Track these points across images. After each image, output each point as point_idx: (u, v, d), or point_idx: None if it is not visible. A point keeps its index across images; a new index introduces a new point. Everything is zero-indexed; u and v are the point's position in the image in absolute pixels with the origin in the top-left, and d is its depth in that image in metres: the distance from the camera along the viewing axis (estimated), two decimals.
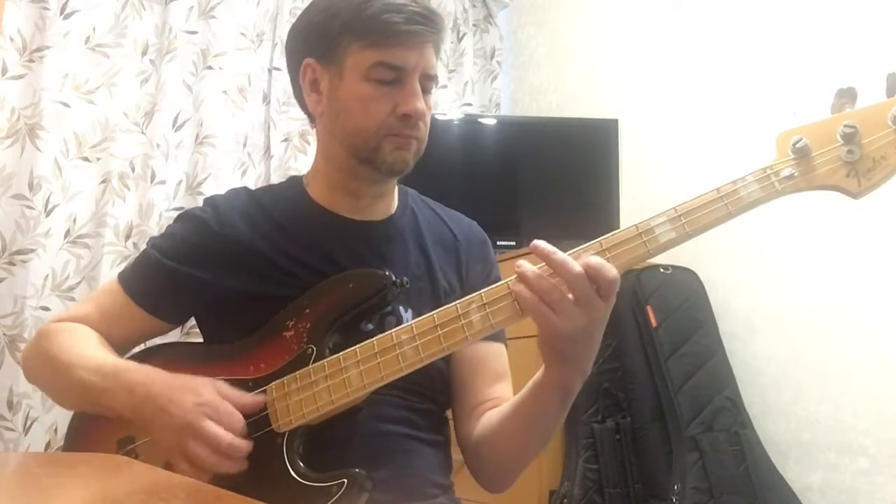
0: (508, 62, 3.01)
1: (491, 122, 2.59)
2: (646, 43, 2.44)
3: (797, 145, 0.83)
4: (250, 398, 0.92)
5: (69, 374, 0.99)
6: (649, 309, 1.91)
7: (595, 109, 2.54)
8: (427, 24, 1.00)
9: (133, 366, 0.98)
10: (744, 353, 2.01)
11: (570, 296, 0.80)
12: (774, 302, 1.98)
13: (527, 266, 0.83)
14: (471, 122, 2.57)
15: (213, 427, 0.86)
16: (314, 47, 1.05)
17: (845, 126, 0.82)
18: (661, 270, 2.00)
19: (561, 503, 1.80)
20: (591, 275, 0.80)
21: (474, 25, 2.95)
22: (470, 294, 0.89)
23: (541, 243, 0.83)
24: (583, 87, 2.66)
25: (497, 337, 1.11)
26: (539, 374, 0.92)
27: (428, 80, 1.04)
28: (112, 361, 1.00)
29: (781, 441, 1.92)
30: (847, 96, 0.85)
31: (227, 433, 0.87)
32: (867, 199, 1.86)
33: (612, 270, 0.81)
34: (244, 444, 0.88)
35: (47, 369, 1.06)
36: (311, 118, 1.12)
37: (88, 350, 1.02)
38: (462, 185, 2.34)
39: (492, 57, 2.96)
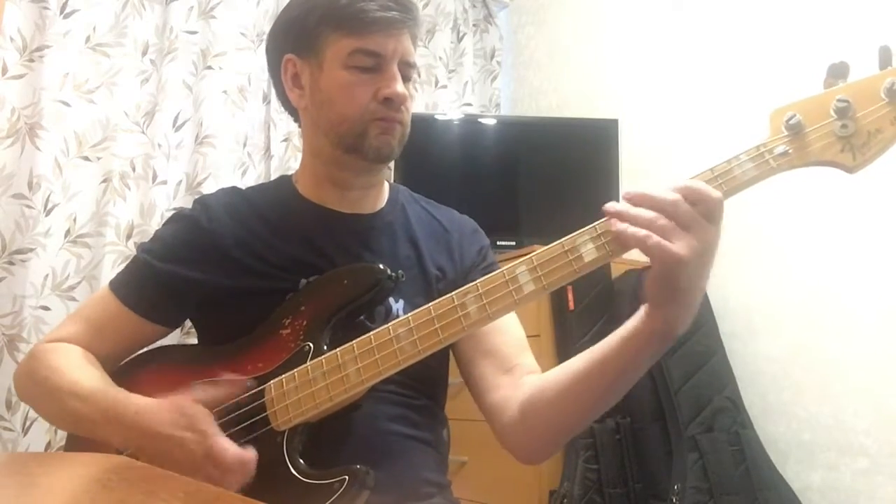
0: (508, 62, 3.01)
1: (491, 122, 2.59)
2: (646, 43, 2.44)
3: (790, 122, 0.82)
4: (230, 382, 0.92)
5: (61, 401, 0.98)
6: None
7: (595, 109, 2.55)
8: (402, 11, 1.02)
9: (121, 397, 0.95)
10: (744, 353, 2.01)
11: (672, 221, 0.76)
12: (774, 302, 1.98)
13: (620, 204, 0.79)
14: (471, 122, 2.57)
15: (213, 472, 0.86)
16: (293, 43, 1.07)
17: (838, 100, 0.81)
18: None
19: (561, 503, 1.80)
20: (690, 198, 0.77)
21: (474, 25, 2.95)
22: (466, 276, 0.88)
23: (631, 190, 0.79)
24: (583, 87, 2.66)
25: None
26: (634, 323, 0.85)
27: (407, 68, 1.05)
28: (103, 392, 0.97)
29: (781, 441, 1.92)
30: (839, 71, 0.83)
31: (230, 474, 0.86)
32: (871, 199, 1.87)
33: (714, 192, 0.77)
34: (251, 469, 0.87)
35: (39, 393, 1.04)
36: (295, 115, 1.13)
37: (79, 376, 0.99)
38: (462, 185, 2.35)
39: (492, 57, 2.95)
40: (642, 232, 0.76)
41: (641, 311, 0.84)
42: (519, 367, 1.03)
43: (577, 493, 1.77)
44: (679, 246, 0.75)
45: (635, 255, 2.33)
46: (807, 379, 1.90)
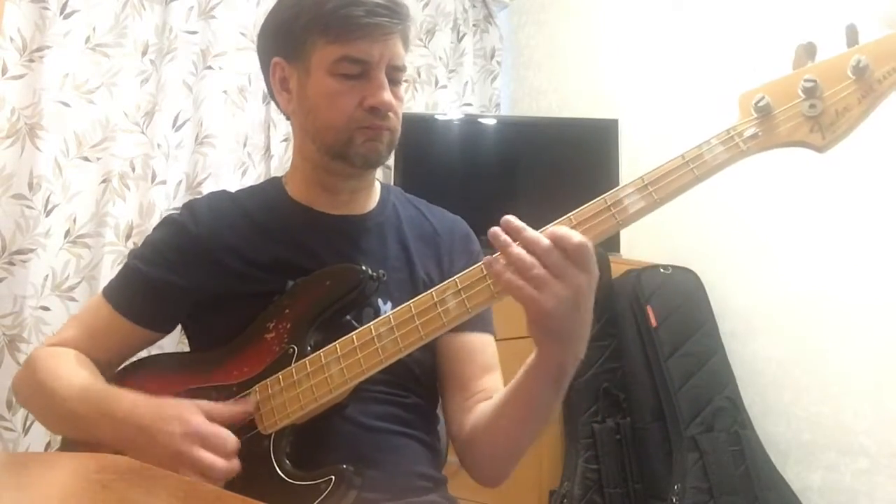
0: (508, 62, 3.01)
1: (491, 122, 2.59)
2: (646, 43, 2.44)
3: (759, 104, 0.83)
4: (240, 408, 0.92)
5: (55, 403, 0.99)
6: (649, 309, 1.91)
7: (595, 109, 2.54)
8: (390, 16, 1.00)
9: (114, 394, 0.97)
10: (744, 353, 2.01)
11: (546, 270, 0.79)
12: (774, 302, 1.98)
13: (502, 236, 0.82)
14: (471, 122, 2.57)
15: (204, 455, 0.86)
16: (281, 46, 1.06)
17: (805, 81, 0.81)
18: (661, 270, 2.00)
19: (561, 503, 1.80)
20: (558, 245, 0.79)
21: (474, 25, 2.94)
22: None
23: (511, 219, 0.82)
24: (583, 87, 2.66)
25: (484, 328, 1.10)
26: (531, 357, 0.90)
27: (396, 71, 1.03)
28: (95, 389, 0.98)
29: (781, 441, 1.92)
30: (807, 52, 0.84)
31: (220, 459, 0.86)
32: (871, 200, 1.86)
33: (575, 236, 0.80)
34: (237, 466, 0.88)
35: (35, 397, 1.05)
36: (287, 116, 1.13)
37: (73, 377, 1.01)
38: (462, 185, 2.34)
39: (492, 57, 2.95)
40: (518, 282, 0.80)
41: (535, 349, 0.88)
42: (478, 394, 1.05)
43: (577, 493, 1.77)
44: (546, 297, 0.79)
45: (635, 255, 2.32)
46: (807, 379, 1.90)
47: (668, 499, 1.76)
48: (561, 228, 0.81)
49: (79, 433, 0.98)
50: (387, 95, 1.01)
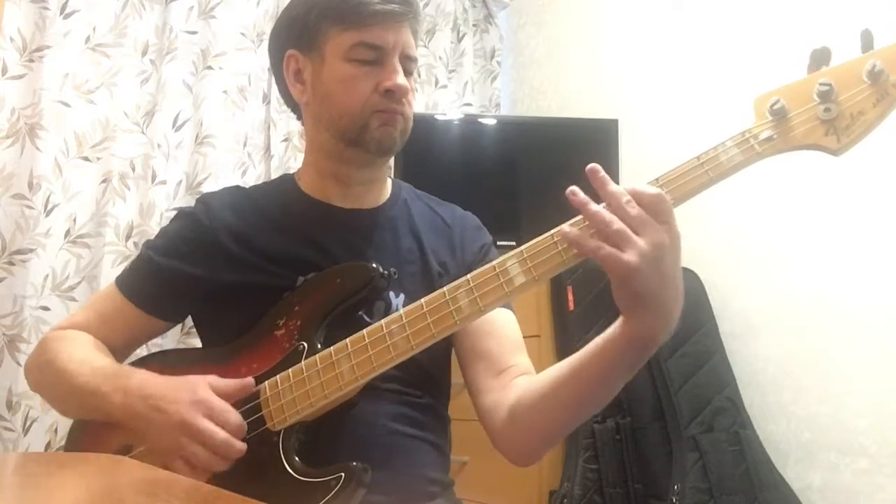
0: (508, 62, 3.01)
1: (491, 122, 2.59)
2: (646, 43, 2.44)
3: (774, 107, 0.84)
4: (240, 382, 0.92)
5: (66, 381, 1.00)
6: None
7: (595, 109, 2.54)
8: (403, 4, 1.03)
9: (127, 369, 0.99)
10: (744, 353, 2.01)
11: (625, 225, 0.77)
12: (774, 302, 1.98)
13: (580, 194, 0.80)
14: (471, 122, 2.57)
15: (207, 424, 0.87)
16: (295, 39, 1.08)
17: (821, 84, 0.82)
18: None
19: (561, 503, 1.80)
20: (637, 199, 0.78)
21: (474, 25, 2.94)
22: (465, 272, 0.89)
23: (598, 167, 0.80)
24: (583, 87, 2.66)
25: (506, 304, 1.08)
26: (613, 329, 0.85)
27: (408, 62, 1.05)
28: (107, 365, 1.01)
29: (781, 441, 1.92)
30: (821, 56, 0.84)
31: (222, 431, 0.87)
32: (871, 199, 1.86)
33: (650, 189, 0.79)
34: (239, 444, 0.88)
35: (46, 377, 1.06)
36: (298, 112, 1.15)
37: (84, 355, 1.02)
38: (462, 185, 2.34)
39: (492, 57, 2.95)
40: (593, 243, 0.78)
41: (619, 318, 0.84)
42: (511, 369, 1.03)
43: (577, 493, 1.77)
44: (630, 255, 0.76)
45: None
46: (807, 379, 1.90)
47: (668, 499, 1.76)
48: (637, 184, 0.80)
49: (89, 410, 0.99)
50: (401, 79, 1.02)
